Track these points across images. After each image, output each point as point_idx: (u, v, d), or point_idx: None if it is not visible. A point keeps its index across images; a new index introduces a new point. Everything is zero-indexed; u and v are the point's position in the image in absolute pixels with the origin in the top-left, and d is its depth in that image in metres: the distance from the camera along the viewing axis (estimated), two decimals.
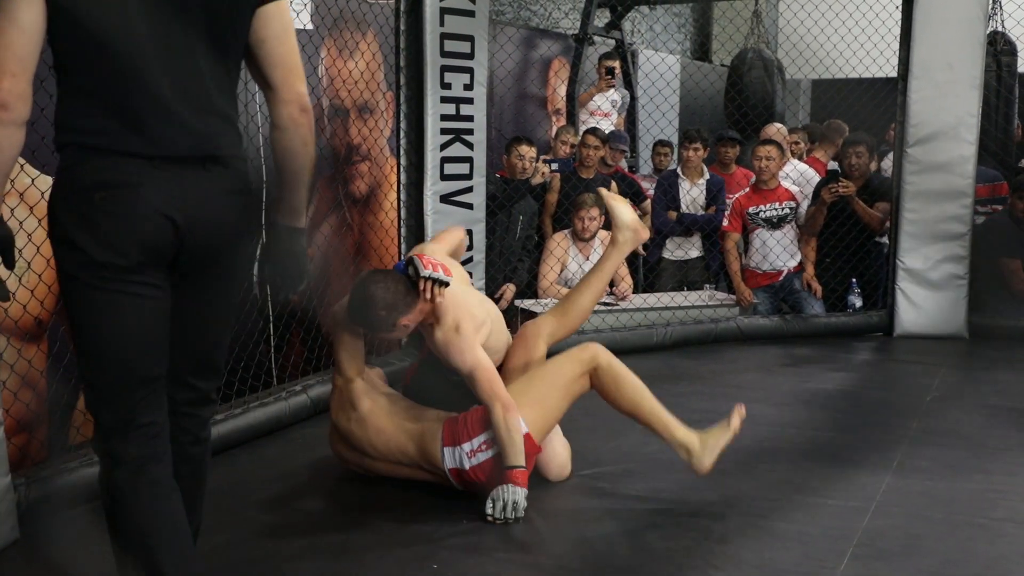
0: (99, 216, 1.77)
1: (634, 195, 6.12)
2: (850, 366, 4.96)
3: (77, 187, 1.79)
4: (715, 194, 5.68)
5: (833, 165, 6.35)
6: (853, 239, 5.46)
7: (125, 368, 1.84)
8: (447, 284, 2.79)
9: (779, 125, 6.34)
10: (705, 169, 5.77)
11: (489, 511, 2.73)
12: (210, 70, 1.85)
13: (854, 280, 5.58)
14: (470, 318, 2.92)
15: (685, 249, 5.75)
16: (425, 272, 2.75)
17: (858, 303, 5.56)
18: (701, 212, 5.70)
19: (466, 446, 2.85)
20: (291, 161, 1.95)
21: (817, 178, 5.83)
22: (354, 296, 2.84)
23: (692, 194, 5.70)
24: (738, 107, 6.64)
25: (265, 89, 1.95)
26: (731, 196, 5.81)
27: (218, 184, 1.87)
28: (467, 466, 2.85)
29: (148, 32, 1.78)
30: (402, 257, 4.56)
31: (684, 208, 5.69)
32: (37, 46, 1.74)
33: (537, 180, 5.42)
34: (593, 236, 5.40)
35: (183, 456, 1.98)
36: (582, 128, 6.57)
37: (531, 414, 2.89)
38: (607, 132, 6.24)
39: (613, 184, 5.87)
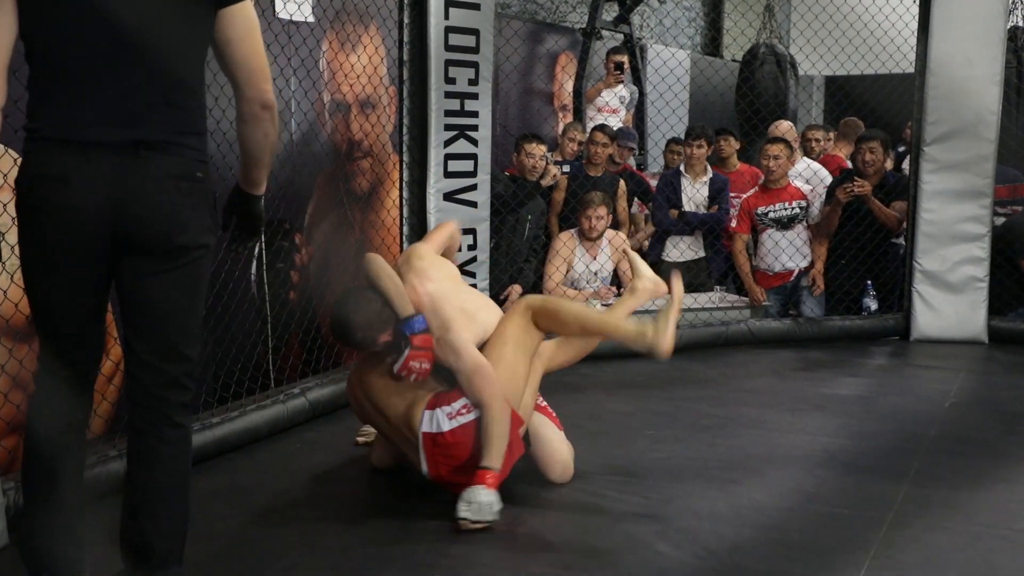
0: (39, 206, 2.02)
1: (642, 194, 6.12)
2: (865, 371, 4.94)
3: (26, 176, 2.04)
4: (718, 192, 5.66)
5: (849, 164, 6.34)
6: (868, 240, 5.44)
7: (59, 339, 2.13)
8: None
9: (788, 123, 6.31)
10: (708, 167, 5.75)
11: (464, 513, 2.71)
12: (163, 63, 2.03)
13: (869, 282, 5.55)
14: (460, 313, 2.96)
15: (694, 249, 5.72)
16: (400, 373, 2.88)
17: (873, 306, 5.54)
18: (704, 211, 5.67)
19: (447, 408, 2.86)
20: (252, 148, 2.18)
21: (830, 177, 5.81)
22: (333, 319, 2.96)
23: (695, 192, 5.68)
24: (750, 103, 6.61)
25: (232, 85, 2.15)
26: (737, 195, 5.78)
27: (150, 170, 2.04)
28: (445, 428, 2.84)
29: (101, 26, 1.98)
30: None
31: (686, 207, 5.67)
32: (10, 40, 1.99)
33: (547, 182, 5.40)
34: (600, 236, 5.37)
35: (162, 438, 2.13)
36: (589, 125, 6.55)
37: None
38: (615, 129, 6.22)
39: (621, 183, 5.85)
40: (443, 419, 2.85)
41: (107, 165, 1.99)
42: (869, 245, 5.44)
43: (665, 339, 2.96)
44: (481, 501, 2.71)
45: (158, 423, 2.12)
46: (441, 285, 3.02)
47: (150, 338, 2.11)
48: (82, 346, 2.15)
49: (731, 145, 6.05)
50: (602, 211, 5.28)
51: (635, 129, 6.99)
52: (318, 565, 2.55)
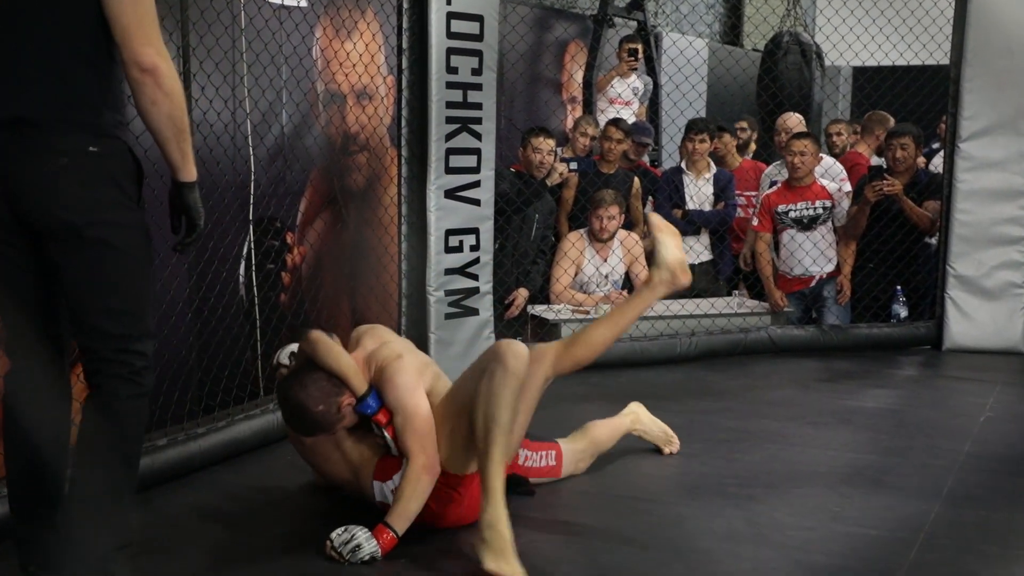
0: None
1: (656, 193, 6.11)
2: (894, 382, 4.93)
3: None
4: (724, 188, 5.67)
5: (878, 160, 6.33)
6: (898, 242, 5.43)
7: (10, 317, 2.24)
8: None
9: (798, 117, 6.30)
10: (711, 163, 5.78)
11: (333, 537, 2.68)
12: (49, 38, 2.11)
13: (899, 288, 5.53)
14: (413, 354, 2.97)
15: (697, 252, 5.72)
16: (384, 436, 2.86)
17: (903, 313, 5.53)
18: (709, 209, 5.68)
19: (389, 484, 2.85)
20: (147, 121, 2.17)
21: (843, 172, 5.82)
22: (285, 411, 2.90)
23: (698, 190, 5.69)
24: (772, 96, 6.61)
25: None
26: (741, 192, 5.78)
27: (32, 146, 2.11)
28: (390, 501, 2.84)
29: None
30: (402, 257, 4.54)
31: (690, 206, 5.67)
32: None
33: (554, 180, 5.40)
34: (612, 236, 5.38)
35: (92, 408, 2.22)
36: (600, 117, 6.55)
37: (445, 450, 2.84)
38: (630, 123, 6.22)
39: (636, 181, 5.85)
40: (389, 494, 2.84)
41: None
42: (899, 248, 5.44)
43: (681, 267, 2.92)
44: (358, 541, 2.65)
45: (94, 392, 2.20)
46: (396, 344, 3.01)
47: (77, 319, 2.20)
48: (36, 323, 2.22)
49: (727, 143, 6.10)
50: (614, 211, 5.29)
51: (649, 123, 6.99)
52: None
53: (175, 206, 2.29)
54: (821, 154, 5.99)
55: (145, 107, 2.15)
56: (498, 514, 2.58)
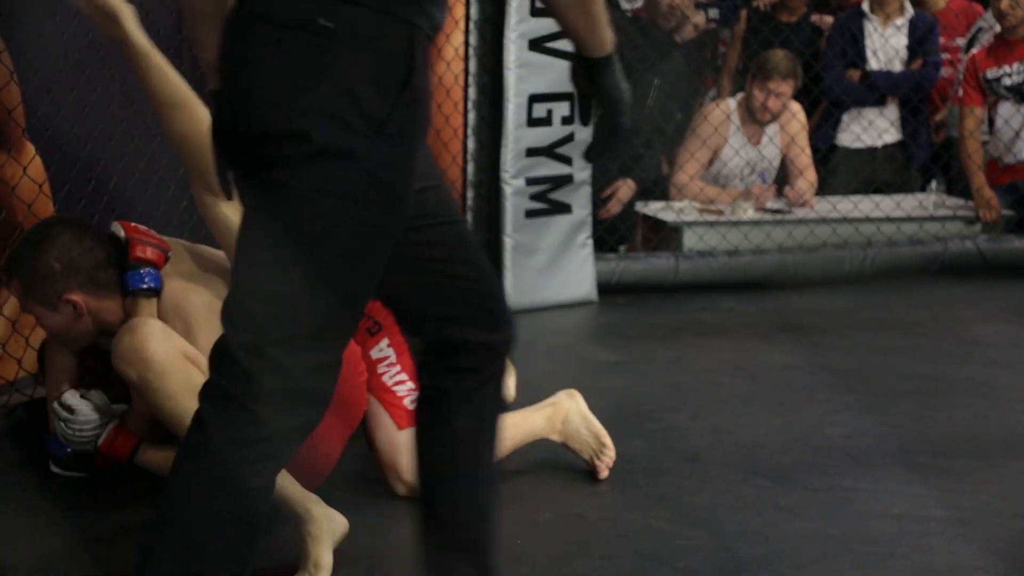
0: None
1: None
2: None
3: None
4: (922, 39, 5.60)
5: None
6: None
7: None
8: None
9: None
10: (906, 3, 5.70)
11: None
12: None
13: None
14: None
15: (880, 130, 5.67)
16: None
17: None
18: (901, 68, 5.58)
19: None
20: None
21: None
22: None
23: (886, 41, 5.61)
24: None
25: None
26: (945, 44, 5.77)
27: (243, 13, 1.94)
28: None
29: None
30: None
31: (874, 65, 5.59)
32: None
33: (688, 34, 5.40)
34: (774, 118, 5.31)
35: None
36: None
37: None
38: None
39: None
40: None
41: None
42: None
43: None
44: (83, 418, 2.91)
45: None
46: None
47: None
48: None
49: None
50: (785, 87, 5.22)
51: None
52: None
53: (579, 87, 2.01)
54: None
55: None
56: None
